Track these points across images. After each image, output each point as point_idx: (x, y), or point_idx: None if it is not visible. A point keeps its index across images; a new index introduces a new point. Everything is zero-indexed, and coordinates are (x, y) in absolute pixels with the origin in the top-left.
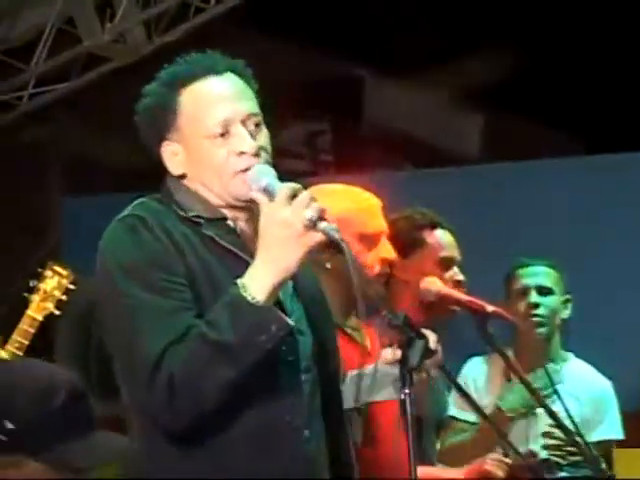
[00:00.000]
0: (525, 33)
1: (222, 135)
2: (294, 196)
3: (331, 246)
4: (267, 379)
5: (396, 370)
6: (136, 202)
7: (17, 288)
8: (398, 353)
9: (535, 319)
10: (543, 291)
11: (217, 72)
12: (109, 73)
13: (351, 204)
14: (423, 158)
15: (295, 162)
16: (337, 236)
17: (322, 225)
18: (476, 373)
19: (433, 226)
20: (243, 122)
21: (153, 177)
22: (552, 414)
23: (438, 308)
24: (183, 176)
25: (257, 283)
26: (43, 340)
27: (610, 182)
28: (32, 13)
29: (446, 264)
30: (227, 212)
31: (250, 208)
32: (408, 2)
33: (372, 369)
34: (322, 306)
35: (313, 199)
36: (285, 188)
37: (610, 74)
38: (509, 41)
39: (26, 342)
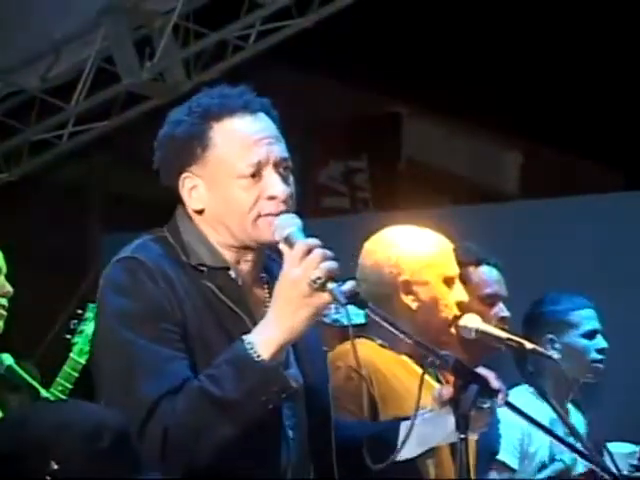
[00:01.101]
0: (566, 71)
1: (252, 176)
2: (309, 252)
3: (354, 301)
4: (250, 440)
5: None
6: (137, 242)
7: (58, 328)
8: (448, 392)
9: (599, 365)
10: (603, 335)
11: (252, 111)
12: (148, 111)
13: (435, 247)
14: (461, 195)
15: (333, 199)
16: (342, 299)
17: (330, 286)
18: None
19: (478, 262)
20: (275, 165)
21: None
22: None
23: (482, 345)
24: (201, 212)
25: (263, 341)
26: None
27: None
28: (72, 52)
29: (491, 301)
30: (235, 255)
31: (262, 252)
32: (445, 40)
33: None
34: (321, 373)
35: (326, 257)
36: (301, 244)
37: None
38: (549, 79)
39: (70, 386)
